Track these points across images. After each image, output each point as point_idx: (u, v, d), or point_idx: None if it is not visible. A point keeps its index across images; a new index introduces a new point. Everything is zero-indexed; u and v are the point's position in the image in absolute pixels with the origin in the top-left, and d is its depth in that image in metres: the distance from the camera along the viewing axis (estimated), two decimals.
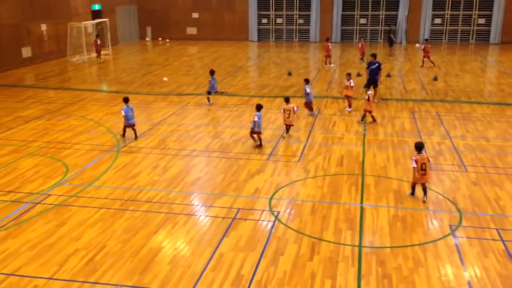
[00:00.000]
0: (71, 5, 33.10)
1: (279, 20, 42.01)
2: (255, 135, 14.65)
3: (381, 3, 40.07)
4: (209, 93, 20.07)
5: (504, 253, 8.94)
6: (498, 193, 11.43)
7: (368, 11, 40.52)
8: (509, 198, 11.20)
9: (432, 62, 28.44)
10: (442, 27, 39.92)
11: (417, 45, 32.21)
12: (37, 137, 15.60)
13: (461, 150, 14.36)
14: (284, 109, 15.40)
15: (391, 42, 33.23)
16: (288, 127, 15.67)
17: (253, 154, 14.05)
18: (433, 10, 39.35)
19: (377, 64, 19.90)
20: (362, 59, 30.07)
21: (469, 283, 8.10)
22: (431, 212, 10.57)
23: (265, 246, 9.16)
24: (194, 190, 11.77)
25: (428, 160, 10.99)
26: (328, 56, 28.83)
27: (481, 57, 32.97)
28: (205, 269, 8.45)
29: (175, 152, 14.30)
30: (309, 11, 40.92)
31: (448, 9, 39.41)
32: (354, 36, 40.42)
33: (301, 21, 41.67)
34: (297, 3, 41.17)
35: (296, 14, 41.55)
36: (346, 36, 41.01)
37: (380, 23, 40.42)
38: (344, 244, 9.24)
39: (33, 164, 13.32)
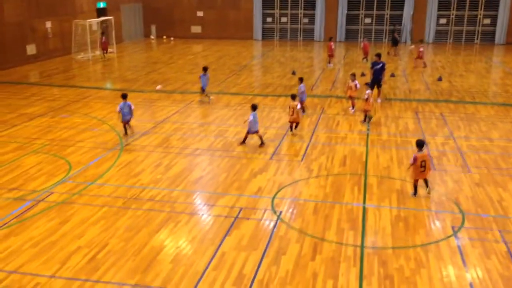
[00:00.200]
0: (76, 2, 33.17)
1: (283, 19, 41.97)
2: (252, 135, 14.63)
3: (386, 2, 39.97)
4: (203, 90, 19.95)
5: (506, 254, 8.91)
6: (501, 194, 11.40)
7: (373, 10, 40.43)
8: None
9: (424, 64, 28.16)
10: (447, 27, 39.79)
11: (411, 46, 31.98)
12: (40, 135, 15.65)
13: (465, 150, 14.32)
14: (289, 106, 15.48)
15: (395, 42, 33.13)
16: (292, 124, 15.69)
17: (256, 153, 14.05)
18: (438, 10, 39.22)
19: (381, 64, 19.88)
20: (365, 58, 29.99)
21: (471, 285, 8.08)
22: (434, 213, 10.54)
23: (267, 245, 9.17)
24: (197, 188, 11.78)
25: (430, 157, 11.06)
26: (331, 55, 28.81)
27: (486, 58, 32.85)
28: (207, 268, 8.46)
29: (178, 150, 14.32)
30: (314, 10, 40.86)
31: (453, 9, 39.27)
32: (359, 35, 40.31)
33: (305, 20, 41.62)
34: (302, 2, 41.12)
35: (301, 13, 41.50)
36: (351, 36, 40.93)
37: (385, 22, 40.33)
38: (346, 244, 9.23)
39: (37, 161, 13.35)
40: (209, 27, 42.29)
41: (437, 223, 10.15)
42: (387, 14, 40.22)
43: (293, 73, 26.04)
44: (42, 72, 26.77)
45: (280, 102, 19.97)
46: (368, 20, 40.73)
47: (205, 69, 19.95)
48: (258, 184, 11.91)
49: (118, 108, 15.25)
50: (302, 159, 13.67)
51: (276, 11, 41.80)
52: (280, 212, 10.50)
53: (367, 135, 15.77)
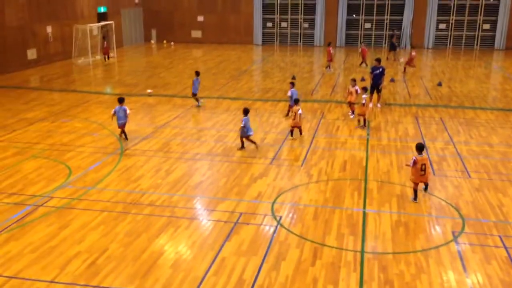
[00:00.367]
0: (76, 7, 33.25)
1: (284, 24, 42.06)
2: (245, 140, 14.65)
3: (386, 8, 40.06)
4: (194, 94, 19.98)
5: (507, 260, 8.90)
6: (501, 200, 11.39)
7: (373, 15, 40.52)
8: None
9: (407, 68, 28.06)
10: (447, 33, 39.87)
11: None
12: (40, 139, 15.65)
13: (465, 156, 14.32)
14: (292, 110, 15.55)
15: (393, 47, 33.21)
16: (293, 128, 15.71)
17: (256, 158, 14.05)
18: (438, 16, 39.32)
19: (381, 69, 19.92)
20: (362, 63, 30.05)
21: None
22: (434, 218, 10.53)
23: (267, 250, 9.15)
24: (197, 193, 11.77)
25: (429, 161, 11.18)
26: (330, 60, 28.87)
27: (486, 63, 32.90)
28: (207, 273, 8.45)
29: (178, 155, 14.32)
30: (314, 15, 40.97)
31: (453, 15, 39.36)
32: (359, 40, 40.38)
33: (305, 25, 41.72)
34: (302, 7, 41.23)
35: (301, 18, 41.59)
36: (350, 41, 41.01)
37: (385, 28, 40.41)
38: (346, 250, 9.22)
39: (36, 166, 13.35)
40: (209, 31, 42.38)
41: (438, 228, 10.14)
42: (387, 19, 40.31)
43: (293, 78, 26.07)
44: (43, 77, 26.80)
45: (280, 107, 19.98)
46: (368, 25, 40.81)
47: (197, 73, 20.00)
48: (258, 189, 11.90)
49: (112, 111, 15.38)
50: (302, 164, 13.66)
51: (276, 16, 41.90)
52: (280, 217, 10.49)
53: (367, 140, 15.77)
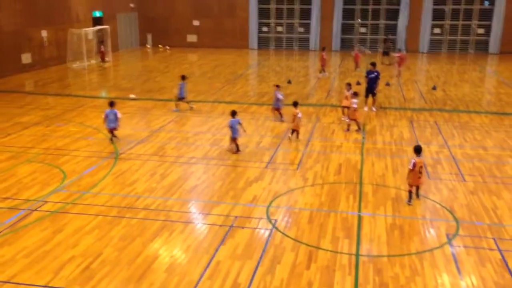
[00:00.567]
0: (72, 11, 33.23)
1: (279, 28, 42.15)
2: (231, 141, 14.76)
3: (381, 12, 40.22)
4: (180, 99, 19.96)
5: (501, 262, 8.92)
6: (495, 202, 11.43)
7: (368, 20, 40.67)
8: (506, 207, 11.19)
9: (399, 73, 28.16)
10: (441, 37, 40.06)
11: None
12: (35, 144, 15.60)
13: (459, 159, 14.37)
14: (292, 113, 15.77)
15: (386, 51, 33.32)
16: (292, 131, 15.82)
17: (251, 162, 14.05)
18: (432, 20, 39.50)
19: (376, 73, 19.98)
20: (357, 68, 30.15)
21: None
22: (428, 221, 10.55)
23: (262, 254, 9.14)
24: (192, 197, 11.75)
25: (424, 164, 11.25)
26: (323, 65, 28.93)
27: (480, 67, 33.06)
28: (201, 277, 8.43)
29: (173, 159, 14.30)
30: (309, 19, 41.08)
31: (447, 19, 39.56)
32: (354, 45, 40.51)
33: (301, 29, 41.83)
34: (298, 12, 41.34)
35: (296, 23, 41.70)
36: (346, 45, 41.12)
37: (380, 32, 40.55)
38: (341, 253, 9.22)
39: (31, 170, 13.30)
40: (205, 36, 42.41)
41: (432, 231, 10.15)
42: (382, 24, 40.44)
43: (289, 82, 26.12)
44: (37, 81, 26.75)
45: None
46: (363, 30, 40.95)
47: (183, 77, 20.02)
48: (253, 193, 11.89)
49: (103, 115, 15.46)
50: (298, 167, 13.67)
51: (272, 20, 42.00)
52: (275, 221, 10.48)
53: (362, 143, 15.80)
